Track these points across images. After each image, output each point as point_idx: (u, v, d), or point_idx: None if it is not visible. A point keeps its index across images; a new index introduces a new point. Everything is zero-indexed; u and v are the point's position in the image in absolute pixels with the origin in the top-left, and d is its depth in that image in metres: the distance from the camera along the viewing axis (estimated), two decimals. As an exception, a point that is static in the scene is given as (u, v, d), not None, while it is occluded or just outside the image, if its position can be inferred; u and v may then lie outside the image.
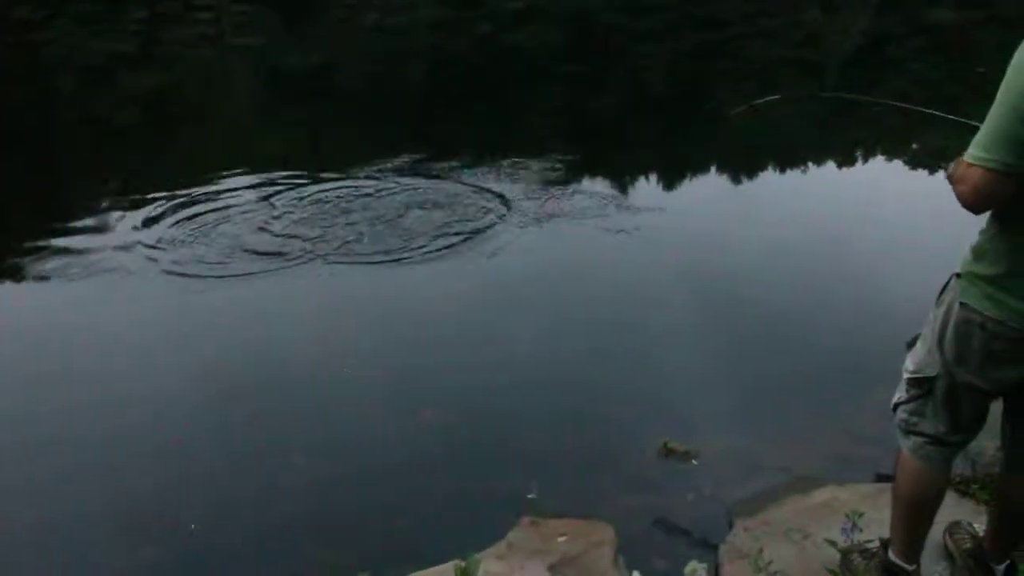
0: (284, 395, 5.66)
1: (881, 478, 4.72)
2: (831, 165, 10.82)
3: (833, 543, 3.87)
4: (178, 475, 4.97)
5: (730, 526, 4.46)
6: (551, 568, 4.21)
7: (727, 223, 8.39)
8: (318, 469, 5.02)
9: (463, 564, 4.16)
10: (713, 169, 10.22)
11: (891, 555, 3.63)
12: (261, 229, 7.90)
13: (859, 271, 7.30)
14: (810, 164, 10.65)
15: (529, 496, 4.72)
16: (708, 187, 9.78)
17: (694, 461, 4.88)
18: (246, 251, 7.51)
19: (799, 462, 4.94)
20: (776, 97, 4.05)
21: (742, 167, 10.19)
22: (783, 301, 6.77)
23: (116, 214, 8.61)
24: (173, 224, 8.20)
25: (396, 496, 4.82)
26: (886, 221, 8.22)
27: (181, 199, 8.74)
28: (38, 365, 6.06)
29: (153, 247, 7.72)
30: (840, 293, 6.89)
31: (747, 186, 9.79)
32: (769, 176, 10.13)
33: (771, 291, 6.89)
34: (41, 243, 7.87)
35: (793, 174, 10.31)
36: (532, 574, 4.17)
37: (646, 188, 9.34)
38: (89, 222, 8.50)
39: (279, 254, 7.46)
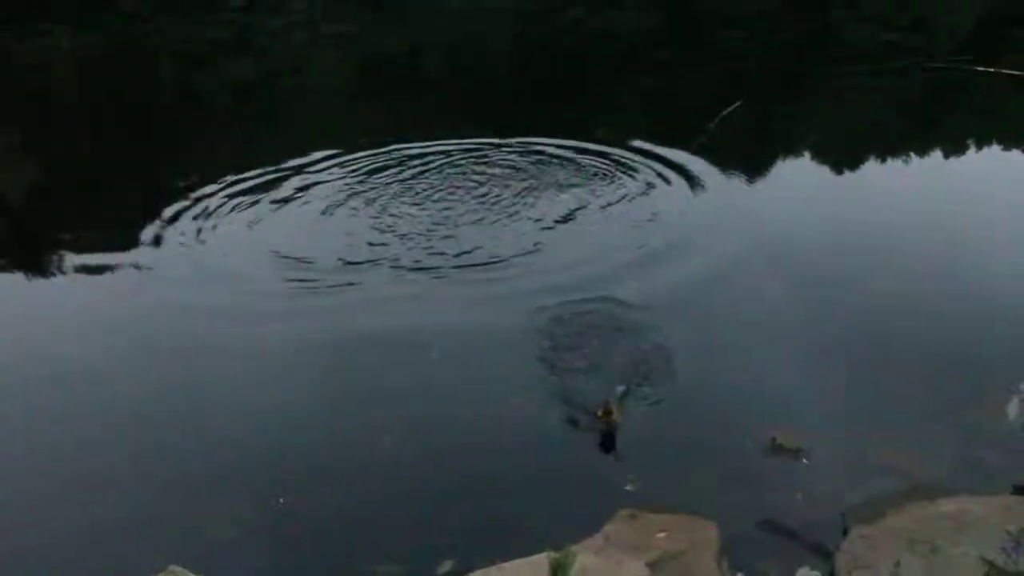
0: (378, 376, 5.49)
1: (1019, 490, 4.27)
2: (944, 149, 10.01)
3: (989, 561, 3.41)
4: (271, 450, 4.85)
5: (845, 532, 4.07)
6: (650, 566, 3.91)
7: (839, 207, 7.82)
8: (408, 452, 4.82)
9: (556, 556, 3.95)
10: (817, 154, 9.56)
11: None
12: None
13: (988, 258, 6.63)
14: (922, 148, 9.88)
15: (627, 488, 4.44)
16: (815, 173, 9.15)
17: (805, 460, 4.48)
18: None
19: (922, 467, 4.49)
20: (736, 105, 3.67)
21: (852, 151, 9.51)
22: (903, 290, 6.19)
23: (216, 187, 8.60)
24: (279, 200, 8.16)
25: (487, 483, 4.60)
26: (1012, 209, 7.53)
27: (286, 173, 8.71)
28: (149, 333, 6.04)
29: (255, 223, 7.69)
30: (968, 283, 6.27)
31: (859, 172, 9.08)
32: (879, 162, 9.41)
33: (889, 279, 6.31)
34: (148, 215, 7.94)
35: (904, 159, 9.56)
36: (630, 571, 3.87)
37: (750, 173, 8.82)
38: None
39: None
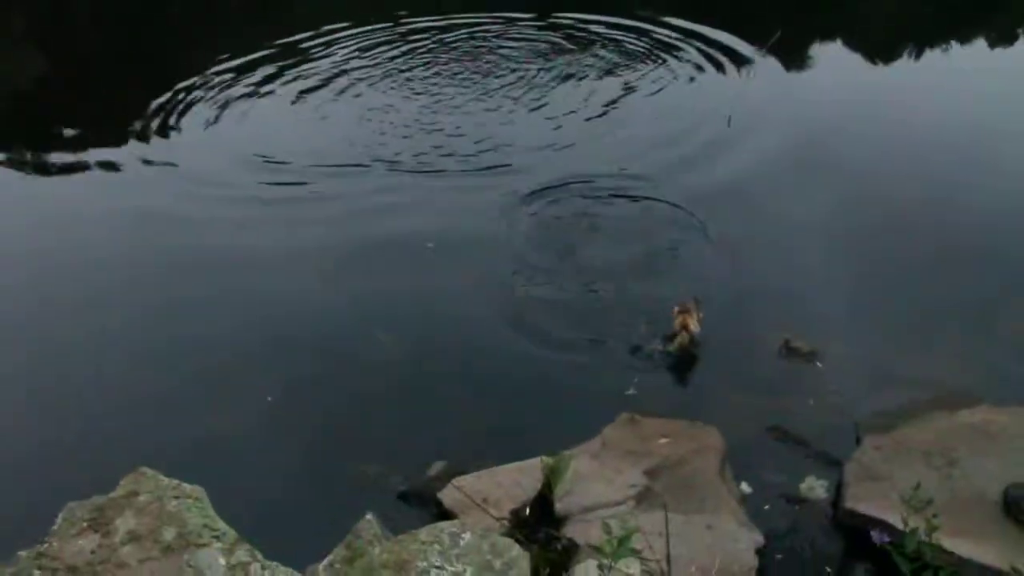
0: (376, 272, 5.25)
1: (1046, 402, 3.96)
2: (991, 43, 9.22)
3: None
4: (262, 349, 4.69)
5: (858, 441, 3.82)
6: (648, 473, 3.72)
7: (875, 109, 7.16)
8: (404, 354, 4.61)
9: (550, 460, 3.78)
10: (857, 52, 8.84)
11: None
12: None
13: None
14: (970, 44, 9.11)
15: (628, 392, 4.20)
16: (858, 66, 8.47)
17: (819, 363, 4.21)
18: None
19: (944, 375, 4.19)
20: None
21: (890, 52, 8.79)
22: (940, 190, 5.75)
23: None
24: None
25: (484, 385, 4.38)
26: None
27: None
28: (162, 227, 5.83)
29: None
30: (1010, 186, 5.78)
31: (898, 76, 8.40)
32: (923, 65, 8.67)
33: (928, 178, 5.86)
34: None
35: (948, 53, 8.82)
36: (627, 478, 3.69)
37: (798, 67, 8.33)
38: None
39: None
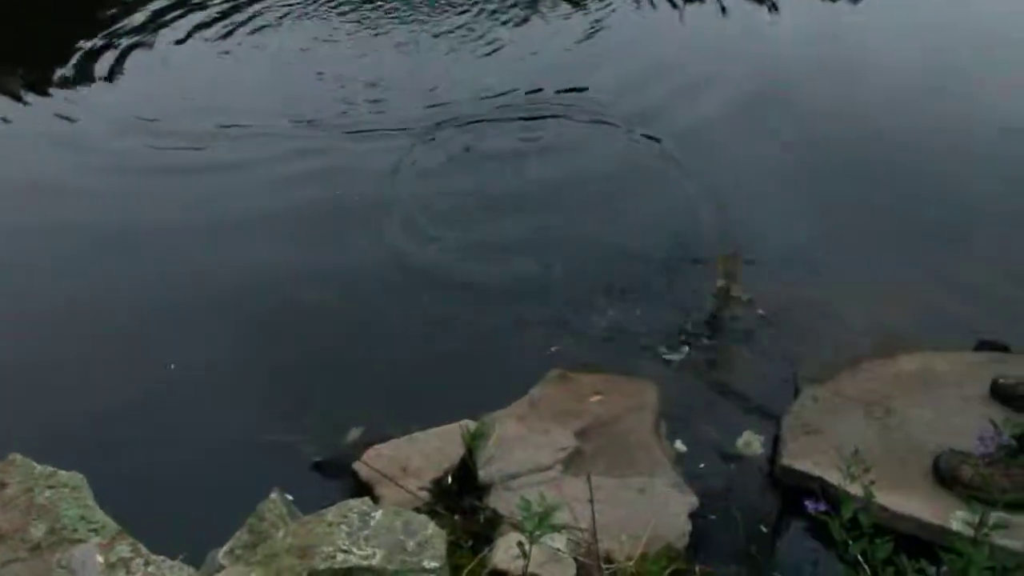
0: (287, 238, 4.84)
1: (985, 347, 3.84)
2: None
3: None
4: (160, 316, 4.29)
5: (796, 393, 3.66)
6: (579, 434, 3.51)
7: (841, 46, 6.73)
8: (321, 313, 4.27)
9: (471, 425, 3.53)
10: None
11: None
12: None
13: (976, 93, 5.92)
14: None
15: (552, 349, 3.94)
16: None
17: (760, 311, 3.98)
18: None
19: (883, 319, 4.02)
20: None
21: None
22: (889, 135, 5.48)
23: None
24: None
25: (405, 344, 4.08)
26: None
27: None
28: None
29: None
30: (949, 117, 5.59)
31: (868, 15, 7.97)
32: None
33: (876, 122, 5.55)
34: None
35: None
36: (556, 440, 3.47)
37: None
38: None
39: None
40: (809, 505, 2.35)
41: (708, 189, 4.95)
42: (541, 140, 5.56)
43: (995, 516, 2.23)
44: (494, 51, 6.70)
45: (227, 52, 6.90)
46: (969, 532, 2.39)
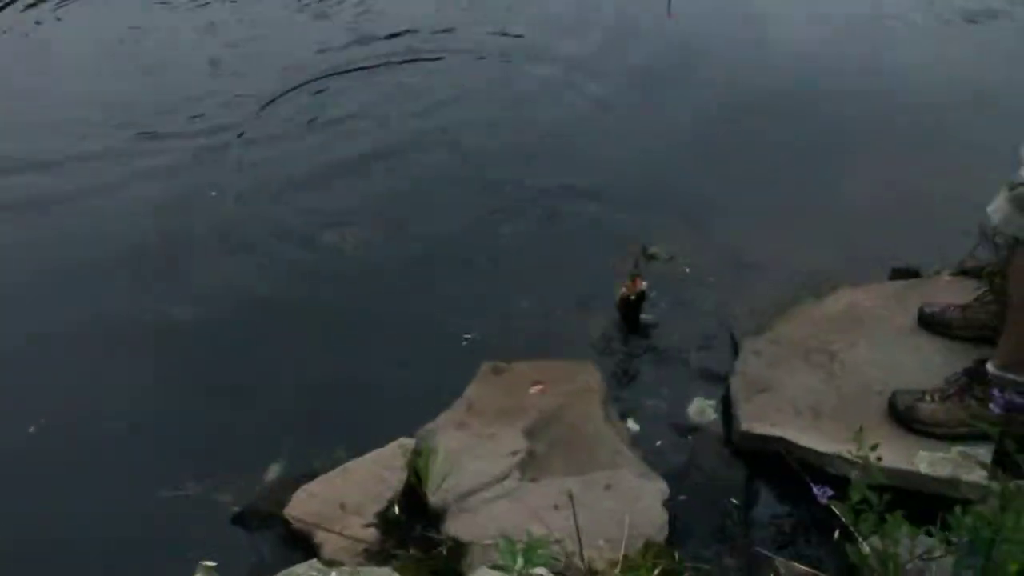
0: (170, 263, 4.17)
1: (898, 274, 3.85)
2: None
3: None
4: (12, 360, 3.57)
5: (736, 350, 3.53)
6: (528, 433, 3.21)
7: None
8: (203, 336, 3.73)
9: (409, 444, 3.15)
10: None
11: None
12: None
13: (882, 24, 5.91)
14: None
15: (466, 336, 3.65)
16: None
17: (687, 269, 3.82)
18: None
19: (800, 260, 3.96)
20: None
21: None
22: (772, 63, 5.45)
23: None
24: None
25: (305, 361, 3.61)
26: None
27: None
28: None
29: None
30: (850, 51, 5.58)
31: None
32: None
33: (787, 72, 5.40)
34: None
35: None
36: (505, 444, 3.15)
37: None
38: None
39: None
40: (817, 493, 2.19)
41: (615, 155, 4.73)
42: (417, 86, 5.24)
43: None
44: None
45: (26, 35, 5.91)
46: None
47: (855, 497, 2.15)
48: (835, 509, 2.19)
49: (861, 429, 2.28)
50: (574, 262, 4.07)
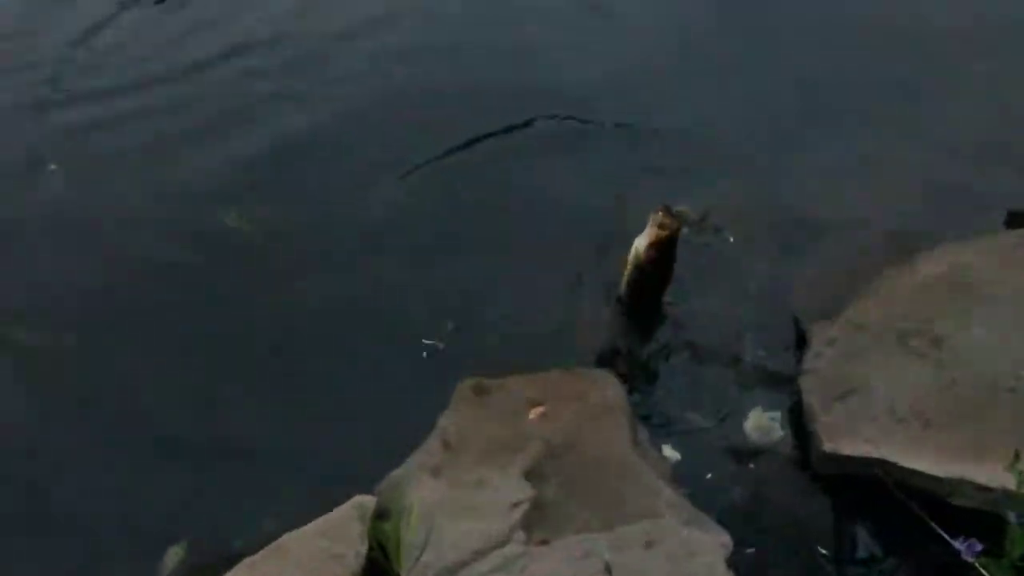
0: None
1: (1018, 219, 3.62)
2: None
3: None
4: None
5: (803, 339, 3.27)
6: (531, 475, 2.87)
7: None
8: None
9: (370, 502, 2.81)
10: None
11: None
12: None
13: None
14: None
15: (426, 344, 3.38)
16: None
17: (727, 235, 3.59)
18: None
19: (885, 214, 3.74)
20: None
21: None
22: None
23: None
24: None
25: (219, 397, 3.28)
26: None
27: None
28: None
29: None
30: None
31: None
32: None
33: None
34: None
35: None
36: (502, 494, 2.85)
37: None
38: None
39: None
40: (963, 550, 1.92)
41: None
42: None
43: None
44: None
45: None
46: None
47: (1017, 551, 1.90)
48: (986, 573, 1.94)
49: (1017, 456, 2.00)
50: (565, 229, 3.78)
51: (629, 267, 3.30)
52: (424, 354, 3.35)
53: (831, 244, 3.65)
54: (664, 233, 3.17)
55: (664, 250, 3.21)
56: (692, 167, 3.95)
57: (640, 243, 3.22)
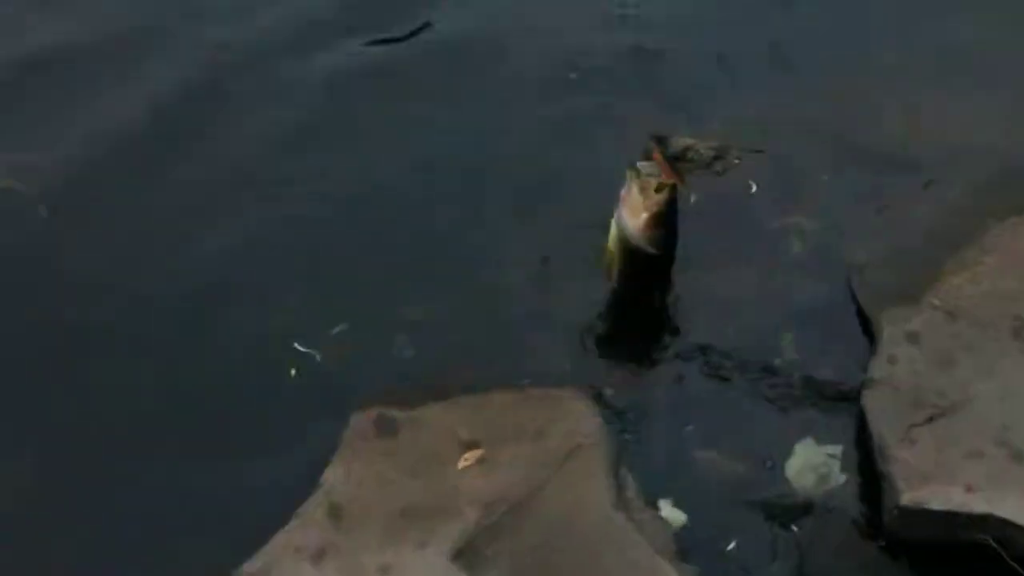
0: None
1: None
2: None
3: None
4: None
5: (872, 332, 3.07)
6: (466, 555, 2.62)
7: None
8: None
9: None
10: None
11: None
12: None
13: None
14: None
15: (300, 351, 3.18)
16: None
17: (750, 182, 3.42)
18: None
19: (978, 155, 3.56)
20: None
21: None
22: None
23: None
24: None
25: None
26: None
27: None
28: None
29: None
30: None
31: None
32: None
33: None
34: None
35: None
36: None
37: None
38: None
39: None
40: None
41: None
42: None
43: None
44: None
45: None
46: None
47: None
48: None
49: None
50: (523, 191, 3.68)
51: (618, 254, 3.11)
52: (293, 372, 3.10)
53: (900, 190, 3.50)
54: (660, 204, 2.98)
55: (666, 220, 3.02)
56: (699, 87, 3.91)
57: (631, 222, 3.02)
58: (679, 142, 3.46)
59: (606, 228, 3.17)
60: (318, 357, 3.20)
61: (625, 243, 3.07)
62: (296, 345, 3.22)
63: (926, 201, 3.45)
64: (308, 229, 3.72)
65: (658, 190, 2.99)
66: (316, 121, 4.22)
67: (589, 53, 4.44)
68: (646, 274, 3.18)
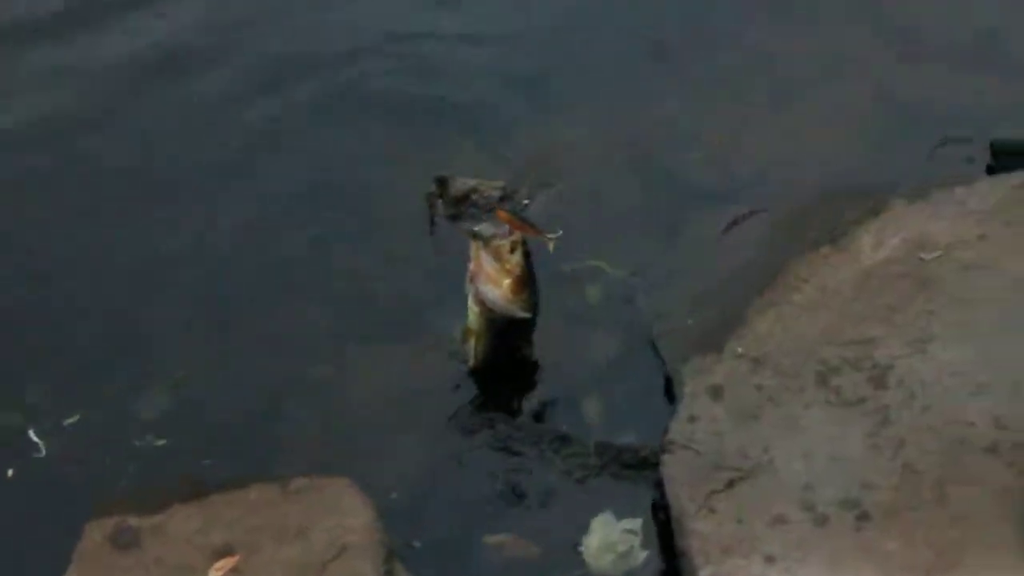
0: None
1: (1003, 154, 3.67)
2: None
3: None
4: None
5: (668, 389, 3.11)
6: None
7: None
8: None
9: None
10: None
11: None
12: None
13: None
14: None
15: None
16: None
17: (551, 239, 3.33)
18: None
19: (799, 165, 3.76)
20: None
21: None
22: None
23: None
24: None
25: None
26: None
27: None
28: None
29: None
30: None
31: None
32: None
33: None
34: None
35: None
36: None
37: None
38: None
39: None
40: None
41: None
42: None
43: None
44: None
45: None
46: None
47: None
48: None
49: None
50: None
51: (483, 330, 3.19)
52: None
53: (708, 224, 3.60)
54: (521, 264, 3.10)
55: (530, 278, 3.14)
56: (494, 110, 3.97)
57: (493, 292, 3.10)
58: (461, 184, 3.46)
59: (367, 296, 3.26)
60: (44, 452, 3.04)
61: (490, 315, 3.09)
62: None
63: (736, 235, 3.47)
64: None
65: (512, 250, 3.03)
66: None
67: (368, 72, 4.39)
68: (516, 337, 3.22)
